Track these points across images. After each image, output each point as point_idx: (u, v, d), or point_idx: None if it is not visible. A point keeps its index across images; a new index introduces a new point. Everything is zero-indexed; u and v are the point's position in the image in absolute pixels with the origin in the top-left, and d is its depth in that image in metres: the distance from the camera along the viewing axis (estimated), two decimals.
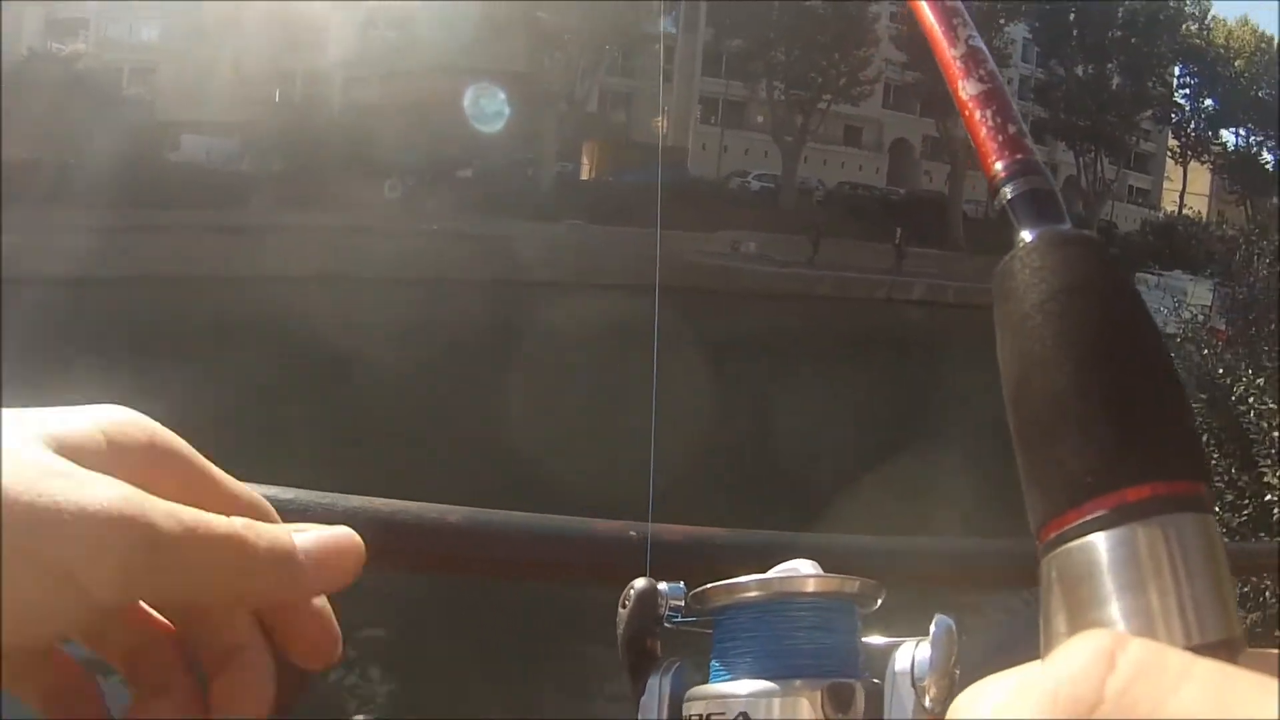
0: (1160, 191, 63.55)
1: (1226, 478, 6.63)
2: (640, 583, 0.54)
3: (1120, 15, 45.32)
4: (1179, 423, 0.35)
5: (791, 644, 0.46)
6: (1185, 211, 58.33)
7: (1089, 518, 0.33)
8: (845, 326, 26.94)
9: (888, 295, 33.58)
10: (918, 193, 47.42)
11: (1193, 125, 56.43)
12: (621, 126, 40.25)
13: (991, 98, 0.45)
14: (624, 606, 0.53)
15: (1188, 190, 60.12)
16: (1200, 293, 37.67)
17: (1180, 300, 42.67)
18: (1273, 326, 7.45)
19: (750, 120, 44.54)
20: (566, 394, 14.15)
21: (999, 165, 0.43)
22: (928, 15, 0.48)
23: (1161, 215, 59.53)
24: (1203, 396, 7.13)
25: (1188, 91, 55.91)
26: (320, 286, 18.60)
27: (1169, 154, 59.50)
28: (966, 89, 0.45)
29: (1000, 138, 0.43)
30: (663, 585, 0.53)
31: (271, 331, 14.87)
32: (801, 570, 0.49)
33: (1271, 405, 6.19)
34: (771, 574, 0.49)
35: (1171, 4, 49.16)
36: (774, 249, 32.69)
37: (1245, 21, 55.08)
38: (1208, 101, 55.40)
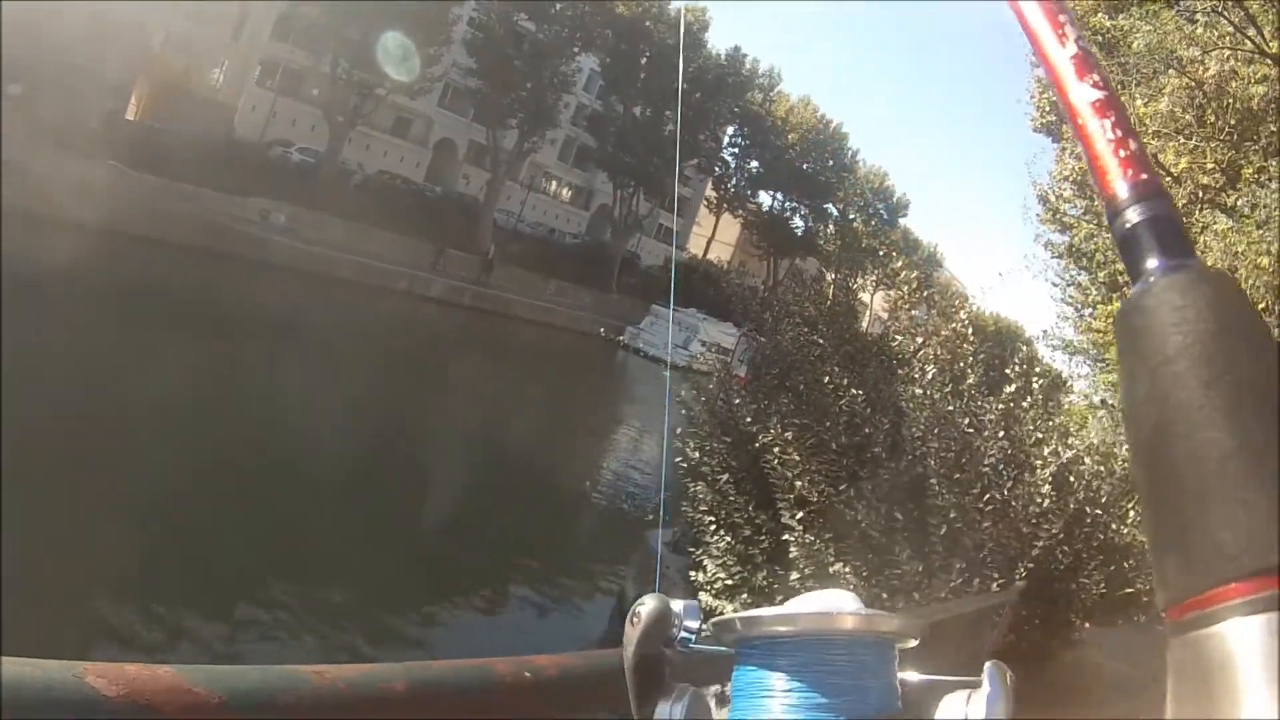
0: (689, 235, 69.28)
1: (745, 514, 7.26)
2: (650, 600, 0.49)
3: (691, 69, 48.35)
4: None
5: (827, 683, 0.42)
6: (709, 256, 65.38)
7: (1237, 600, 0.28)
8: (362, 315, 28.32)
9: (407, 288, 35.08)
10: (453, 194, 49.37)
11: (734, 181, 62.60)
12: (181, 73, 38.42)
13: (1109, 107, 0.39)
14: (632, 624, 0.48)
15: (716, 239, 66.93)
16: (711, 331, 42.18)
17: (691, 335, 47.41)
18: (801, 387, 7.70)
19: (306, 92, 43.94)
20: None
21: (1121, 186, 0.38)
22: (1033, 14, 0.43)
23: (685, 256, 64.29)
24: (727, 439, 7.86)
25: (737, 151, 61.65)
26: None
27: (705, 203, 65.38)
28: (1078, 94, 0.40)
29: (1123, 153, 0.38)
30: (676, 604, 0.49)
31: None
32: (839, 606, 0.45)
33: (795, 457, 6.60)
34: (806, 608, 0.44)
35: (745, 71, 53.67)
36: (303, 224, 33.07)
37: (808, 102, 61.81)
38: (754, 163, 61.70)
